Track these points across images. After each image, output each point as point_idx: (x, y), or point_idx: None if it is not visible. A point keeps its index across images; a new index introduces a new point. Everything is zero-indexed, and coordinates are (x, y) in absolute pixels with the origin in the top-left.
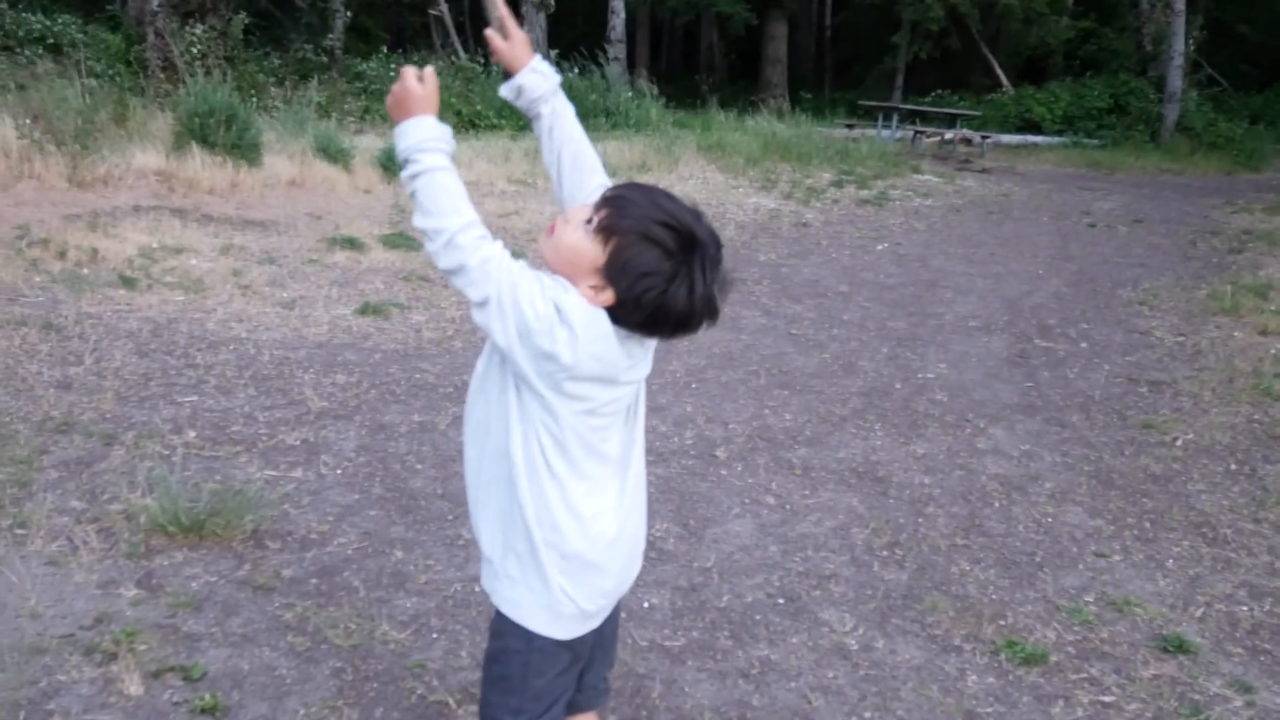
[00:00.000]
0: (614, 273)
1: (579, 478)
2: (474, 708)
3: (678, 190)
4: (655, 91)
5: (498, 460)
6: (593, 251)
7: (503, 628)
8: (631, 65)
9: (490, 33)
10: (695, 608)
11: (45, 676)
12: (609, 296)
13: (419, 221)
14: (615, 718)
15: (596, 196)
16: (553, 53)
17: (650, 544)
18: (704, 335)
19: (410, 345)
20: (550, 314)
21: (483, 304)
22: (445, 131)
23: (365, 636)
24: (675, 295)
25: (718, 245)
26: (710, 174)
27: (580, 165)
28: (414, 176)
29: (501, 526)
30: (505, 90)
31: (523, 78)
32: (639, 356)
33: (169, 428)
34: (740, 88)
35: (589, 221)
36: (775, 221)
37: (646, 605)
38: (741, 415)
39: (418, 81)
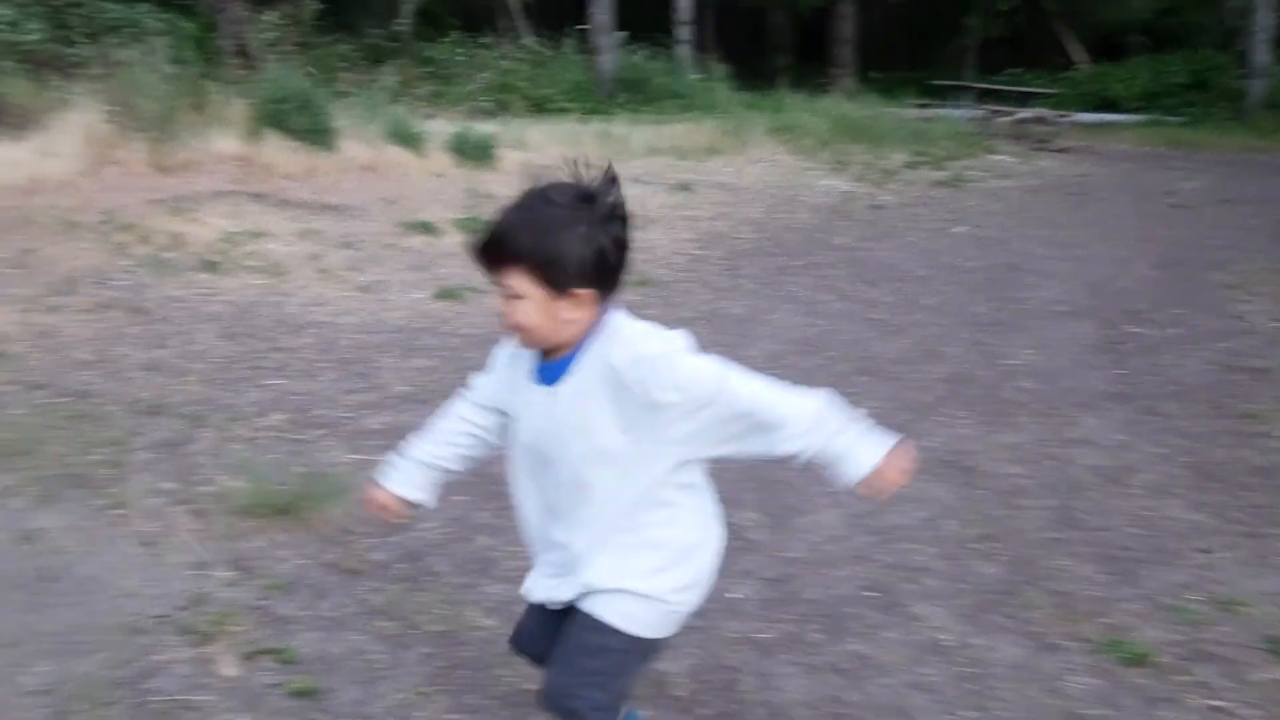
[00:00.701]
0: (565, 276)
1: (707, 476)
2: None
3: (748, 173)
4: (724, 72)
5: (635, 496)
6: (537, 295)
7: (606, 626)
8: (700, 46)
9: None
10: (784, 600)
11: (143, 656)
12: (588, 293)
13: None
14: (708, 710)
15: (477, 390)
16: (621, 34)
17: (735, 533)
18: (782, 320)
19: (487, 329)
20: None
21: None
22: None
23: (454, 623)
24: (610, 232)
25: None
26: (781, 156)
27: (482, 426)
28: None
29: (632, 553)
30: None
31: (426, 497)
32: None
33: (254, 411)
34: (809, 68)
35: (505, 294)
36: (849, 204)
37: (733, 597)
38: None
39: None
